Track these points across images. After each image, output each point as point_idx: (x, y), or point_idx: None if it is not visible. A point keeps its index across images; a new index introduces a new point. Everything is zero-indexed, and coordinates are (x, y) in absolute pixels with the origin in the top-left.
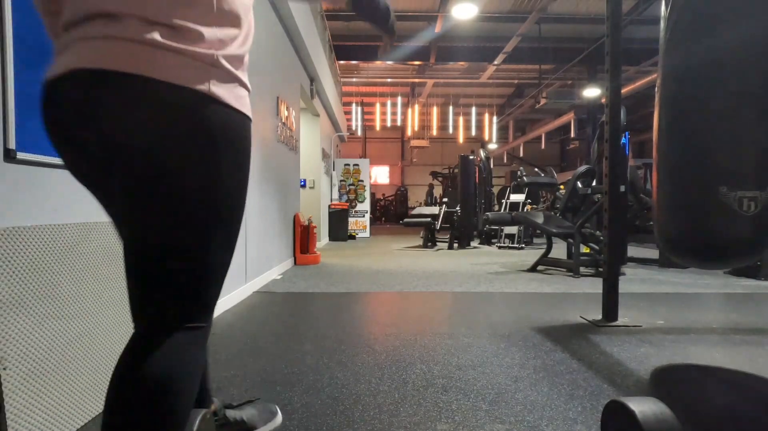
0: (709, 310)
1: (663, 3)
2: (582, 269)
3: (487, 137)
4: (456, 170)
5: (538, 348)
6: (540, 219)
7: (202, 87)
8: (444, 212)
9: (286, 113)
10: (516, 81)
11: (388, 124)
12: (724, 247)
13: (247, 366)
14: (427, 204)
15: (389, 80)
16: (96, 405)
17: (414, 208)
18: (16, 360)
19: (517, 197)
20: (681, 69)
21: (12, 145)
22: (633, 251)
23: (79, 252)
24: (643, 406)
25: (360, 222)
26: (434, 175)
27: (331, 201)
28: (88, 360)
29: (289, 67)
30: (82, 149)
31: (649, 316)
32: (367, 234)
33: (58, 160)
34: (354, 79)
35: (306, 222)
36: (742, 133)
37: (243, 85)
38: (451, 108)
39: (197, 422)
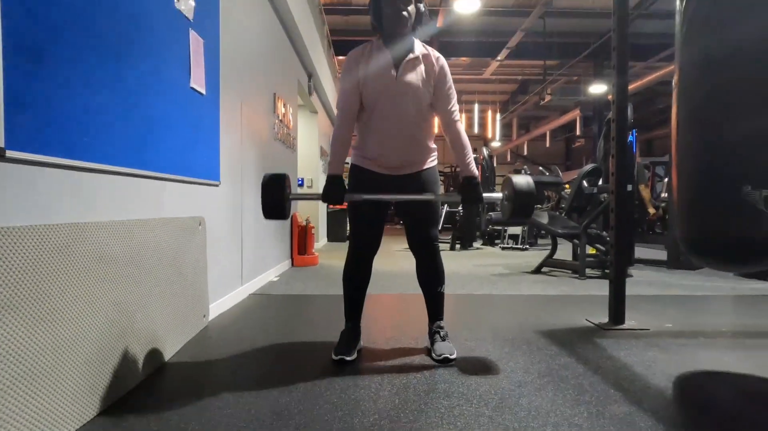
0: (718, 313)
1: None
2: (588, 271)
3: (490, 135)
4: (457, 169)
5: (543, 352)
6: (545, 219)
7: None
8: (446, 212)
9: (283, 110)
10: (520, 77)
11: None
12: (748, 249)
13: (243, 369)
14: None
15: None
16: (89, 408)
17: None
18: (8, 362)
19: None
20: (699, 63)
21: (1, 143)
22: (640, 252)
23: (72, 252)
24: (518, 178)
25: None
26: None
27: None
28: (81, 363)
29: (287, 63)
30: None
31: (657, 319)
32: None
33: (49, 158)
34: None
35: (304, 223)
36: (766, 128)
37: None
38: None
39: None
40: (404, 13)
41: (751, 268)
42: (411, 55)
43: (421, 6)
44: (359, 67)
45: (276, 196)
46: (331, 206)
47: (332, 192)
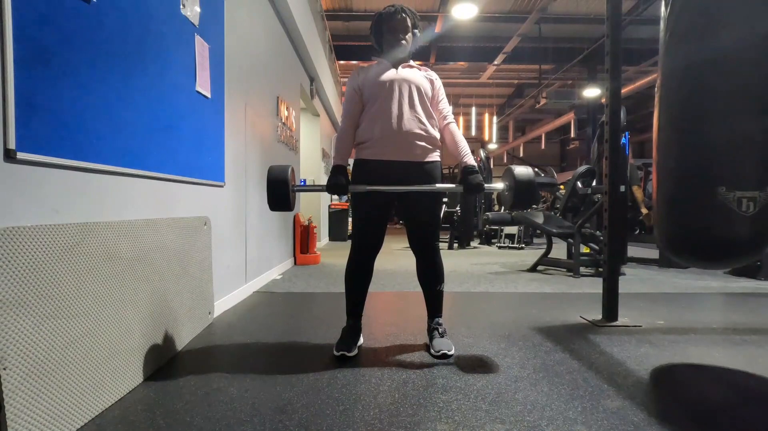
0: (708, 310)
1: (663, 3)
2: (582, 269)
3: (487, 137)
4: (456, 170)
5: (538, 348)
6: (540, 219)
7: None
8: (444, 212)
9: (286, 113)
10: (516, 81)
11: None
12: (723, 248)
13: (246, 365)
14: None
15: None
16: (96, 404)
17: None
18: (16, 360)
19: None
20: (681, 69)
21: (12, 144)
22: (633, 251)
23: (79, 252)
24: (519, 168)
25: None
26: None
27: (331, 201)
28: (89, 360)
29: (289, 67)
30: None
31: (649, 316)
32: None
33: (58, 160)
34: None
35: (306, 223)
36: (741, 133)
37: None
38: (451, 108)
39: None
40: (403, 41)
41: (724, 266)
42: (408, 63)
43: (417, 32)
44: (360, 77)
45: (282, 188)
46: (335, 199)
47: (336, 182)
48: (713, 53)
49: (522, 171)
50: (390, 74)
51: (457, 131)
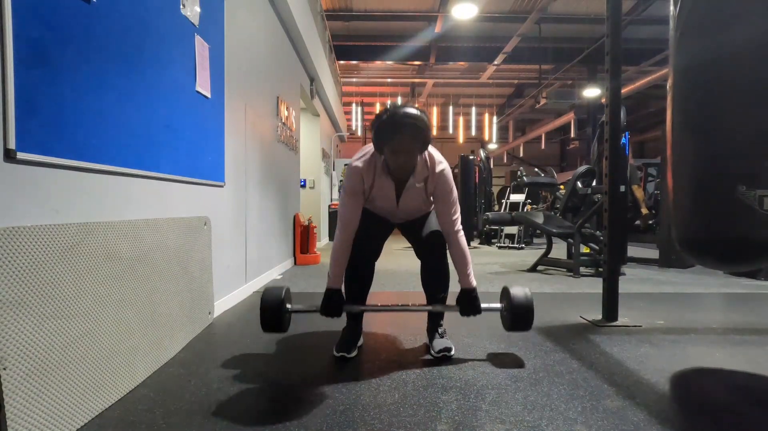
0: (709, 310)
1: (671, 2)
2: (582, 269)
3: (487, 137)
4: (456, 170)
5: (538, 348)
6: (540, 219)
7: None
8: None
9: (286, 113)
10: (516, 81)
11: None
12: (744, 248)
13: (247, 365)
14: None
15: (389, 80)
16: (96, 404)
17: None
18: (16, 360)
19: (517, 197)
20: (693, 67)
21: (12, 144)
22: (633, 251)
23: (79, 252)
24: (515, 289)
25: None
26: None
27: (331, 201)
28: (88, 360)
29: (289, 67)
30: None
31: (649, 316)
32: None
33: (58, 160)
34: (354, 79)
35: (306, 223)
36: (760, 129)
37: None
38: (451, 108)
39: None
40: (407, 167)
41: (746, 267)
42: (411, 180)
43: (427, 139)
44: (364, 186)
45: (276, 312)
46: (335, 199)
47: (331, 306)
48: (727, 49)
49: (519, 293)
50: (392, 205)
51: (464, 245)
